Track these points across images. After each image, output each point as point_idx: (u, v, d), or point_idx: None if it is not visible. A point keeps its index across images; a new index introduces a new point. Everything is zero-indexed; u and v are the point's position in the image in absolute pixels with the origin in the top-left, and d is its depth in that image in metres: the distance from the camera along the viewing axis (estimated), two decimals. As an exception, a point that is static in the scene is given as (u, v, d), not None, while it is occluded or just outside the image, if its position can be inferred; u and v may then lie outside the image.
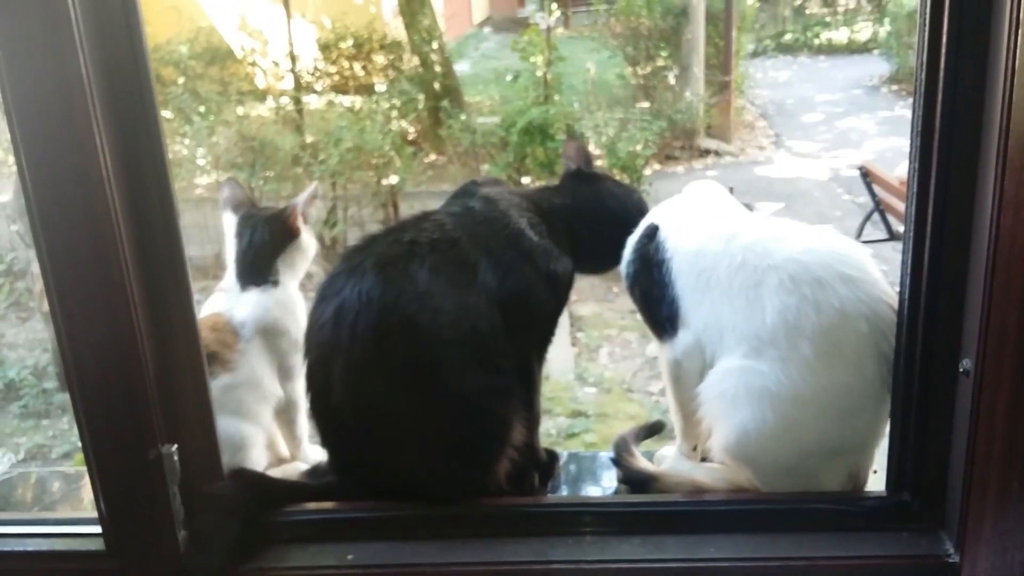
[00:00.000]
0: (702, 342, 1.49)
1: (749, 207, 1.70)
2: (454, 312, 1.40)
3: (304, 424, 1.76)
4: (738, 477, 1.49)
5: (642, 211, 1.72)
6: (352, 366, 1.39)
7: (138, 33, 1.19)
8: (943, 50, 1.15)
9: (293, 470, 1.72)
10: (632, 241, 1.63)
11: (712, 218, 1.58)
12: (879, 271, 1.44)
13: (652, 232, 1.59)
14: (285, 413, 1.73)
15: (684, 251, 1.53)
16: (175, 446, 1.32)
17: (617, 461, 1.63)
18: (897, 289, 1.36)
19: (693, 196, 1.70)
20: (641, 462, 1.62)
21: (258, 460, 1.66)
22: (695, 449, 1.64)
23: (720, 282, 1.46)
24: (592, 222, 1.68)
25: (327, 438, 1.51)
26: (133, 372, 1.25)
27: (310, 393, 1.49)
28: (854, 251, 1.44)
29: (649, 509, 1.43)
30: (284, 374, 1.70)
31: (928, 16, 1.16)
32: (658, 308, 1.55)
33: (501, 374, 1.44)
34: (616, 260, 1.67)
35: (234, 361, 1.61)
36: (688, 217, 1.60)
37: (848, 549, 1.34)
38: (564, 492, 1.64)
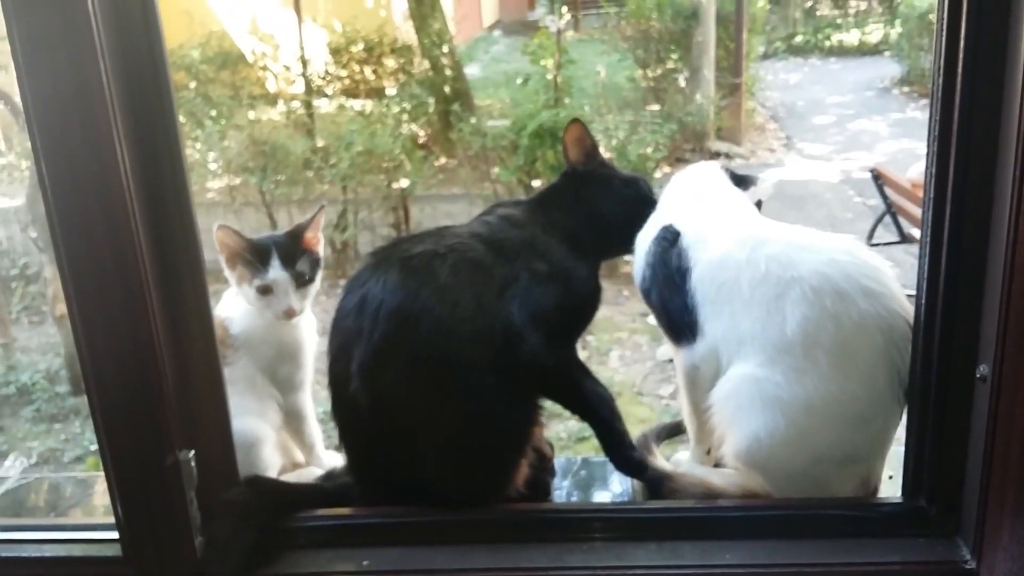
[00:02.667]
0: (719, 350, 1.48)
1: (752, 180, 1.71)
2: (474, 308, 1.40)
3: (315, 430, 1.77)
4: (751, 482, 1.49)
5: (648, 201, 1.71)
6: (371, 351, 1.39)
7: (158, 40, 1.20)
8: (960, 55, 1.15)
9: (309, 475, 1.72)
10: (647, 243, 1.61)
11: (733, 221, 1.57)
12: (898, 284, 1.44)
13: (673, 238, 1.56)
14: (291, 423, 1.73)
15: (707, 260, 1.51)
16: (192, 452, 1.33)
17: None
18: (913, 296, 1.36)
19: (700, 187, 1.69)
20: (659, 461, 1.63)
21: (270, 459, 1.66)
22: (708, 453, 1.63)
23: (742, 293, 1.45)
24: (597, 227, 1.67)
25: (344, 433, 1.51)
26: (151, 378, 1.26)
27: (331, 386, 1.49)
28: (876, 264, 1.44)
29: (664, 515, 1.43)
30: (280, 385, 1.70)
31: (945, 20, 1.16)
32: (677, 315, 1.53)
33: (520, 375, 1.44)
34: (624, 247, 1.69)
35: (229, 356, 1.62)
36: (709, 220, 1.57)
37: (864, 555, 1.33)
38: (575, 497, 1.64)
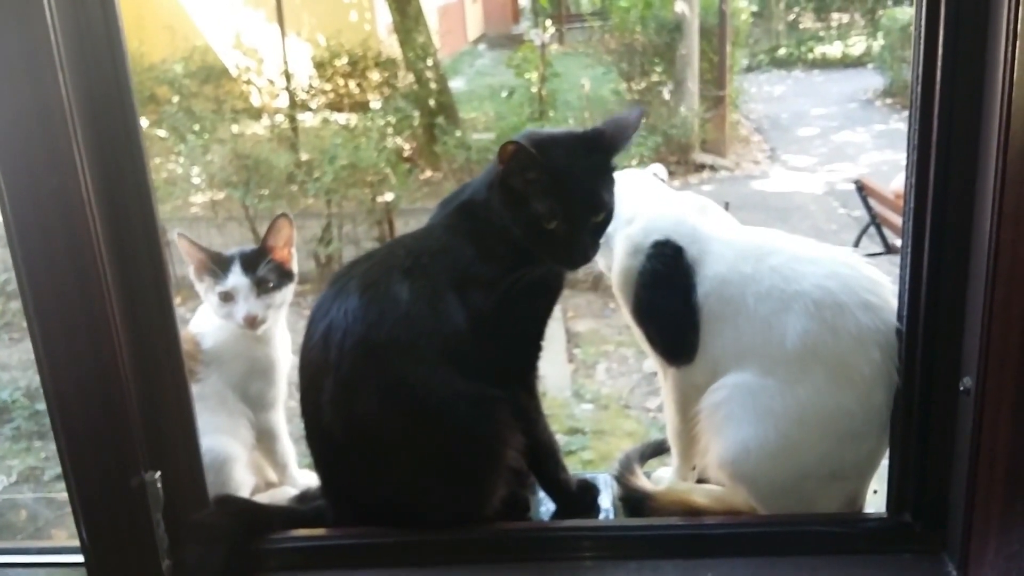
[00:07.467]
0: (719, 366, 1.46)
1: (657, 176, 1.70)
2: (436, 332, 1.38)
3: (288, 450, 1.74)
4: (735, 499, 1.47)
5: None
6: (340, 384, 1.37)
7: (121, 57, 1.18)
8: (939, 64, 1.14)
9: (282, 495, 1.69)
10: (640, 262, 1.52)
11: (733, 233, 1.53)
12: (896, 299, 1.41)
13: (675, 253, 1.50)
14: (263, 442, 1.71)
15: (713, 276, 1.47)
16: (158, 473, 1.30)
17: (618, 478, 1.60)
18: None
19: (662, 194, 1.64)
20: (641, 481, 1.60)
21: (242, 479, 1.63)
22: (693, 469, 1.61)
23: (746, 308, 1.43)
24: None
25: (319, 461, 1.49)
26: (115, 397, 1.23)
27: (304, 415, 1.47)
28: (876, 277, 1.43)
29: (647, 533, 1.41)
30: (252, 403, 1.67)
31: (923, 31, 1.15)
32: (680, 334, 1.49)
33: (488, 396, 1.41)
34: None
35: (199, 372, 1.60)
36: (707, 233, 1.52)
37: (849, 572, 1.32)
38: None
